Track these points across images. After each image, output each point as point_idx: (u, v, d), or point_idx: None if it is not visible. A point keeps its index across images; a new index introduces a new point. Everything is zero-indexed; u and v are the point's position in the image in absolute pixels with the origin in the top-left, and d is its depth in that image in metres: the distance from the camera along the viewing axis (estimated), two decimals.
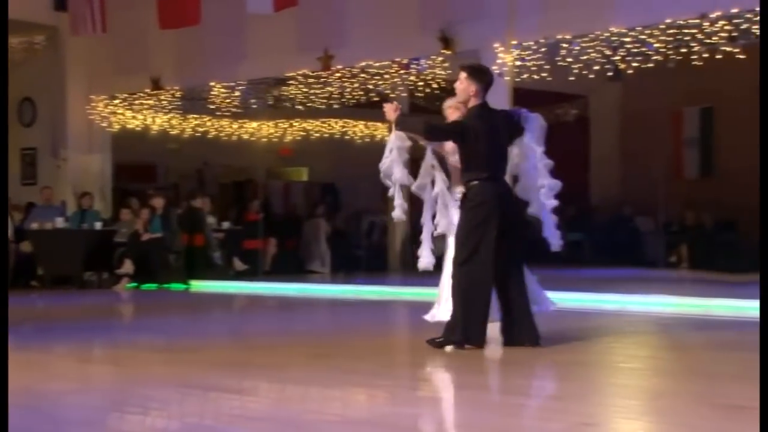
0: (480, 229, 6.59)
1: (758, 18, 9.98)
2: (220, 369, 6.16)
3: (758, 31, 10.07)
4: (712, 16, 10.23)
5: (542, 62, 11.44)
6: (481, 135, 6.67)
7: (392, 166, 6.90)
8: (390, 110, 6.83)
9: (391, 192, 6.97)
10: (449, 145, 7.01)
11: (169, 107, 15.74)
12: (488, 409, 4.99)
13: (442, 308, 7.11)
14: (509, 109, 7.32)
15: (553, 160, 6.96)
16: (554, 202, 6.97)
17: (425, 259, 7.23)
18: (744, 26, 10.11)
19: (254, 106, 15.45)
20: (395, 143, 6.91)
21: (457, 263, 6.66)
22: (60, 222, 14.46)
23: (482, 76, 6.84)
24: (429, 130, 6.84)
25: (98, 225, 14.55)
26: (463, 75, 6.86)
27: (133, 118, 16.07)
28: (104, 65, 15.56)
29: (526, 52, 11.49)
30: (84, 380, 6.02)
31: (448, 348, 6.59)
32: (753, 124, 18.48)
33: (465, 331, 6.58)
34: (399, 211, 7.00)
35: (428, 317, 7.28)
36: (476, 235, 6.59)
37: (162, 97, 15.30)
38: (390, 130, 6.97)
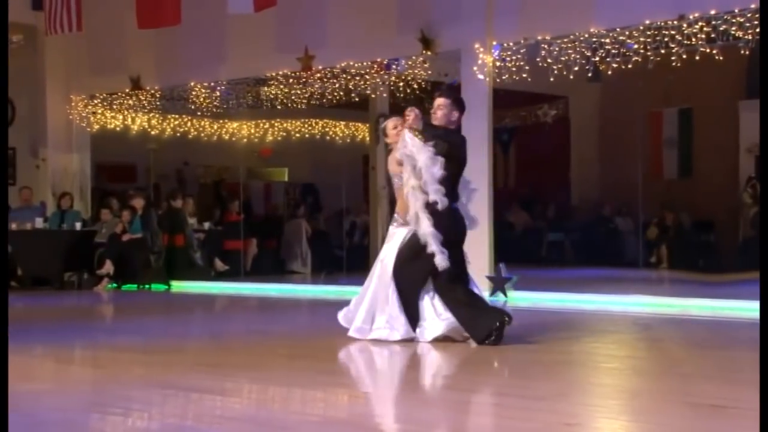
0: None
1: (735, 19, 10.07)
2: (202, 370, 6.15)
3: (736, 32, 10.16)
4: (690, 17, 10.31)
5: (522, 63, 11.48)
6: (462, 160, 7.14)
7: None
8: (414, 119, 7.01)
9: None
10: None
11: (149, 107, 15.69)
12: (469, 409, 5.02)
13: (359, 314, 7.25)
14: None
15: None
16: None
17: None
18: (722, 27, 10.18)
19: (234, 107, 15.41)
20: (415, 152, 7.04)
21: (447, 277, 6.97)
22: (39, 222, 14.39)
23: (463, 104, 7.29)
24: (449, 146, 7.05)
25: (78, 225, 14.48)
26: (445, 102, 7.20)
27: (113, 117, 15.99)
28: (83, 64, 15.48)
29: (506, 53, 11.53)
30: (64, 381, 6.00)
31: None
32: (730, 125, 18.62)
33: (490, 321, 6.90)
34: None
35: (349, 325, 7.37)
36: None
37: (142, 97, 15.25)
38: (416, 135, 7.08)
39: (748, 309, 9.43)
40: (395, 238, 7.29)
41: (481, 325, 6.89)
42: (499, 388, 5.72)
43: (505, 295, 11.10)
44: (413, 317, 7.10)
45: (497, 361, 6.53)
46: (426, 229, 6.94)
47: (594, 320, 9.34)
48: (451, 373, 6.29)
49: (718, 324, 8.87)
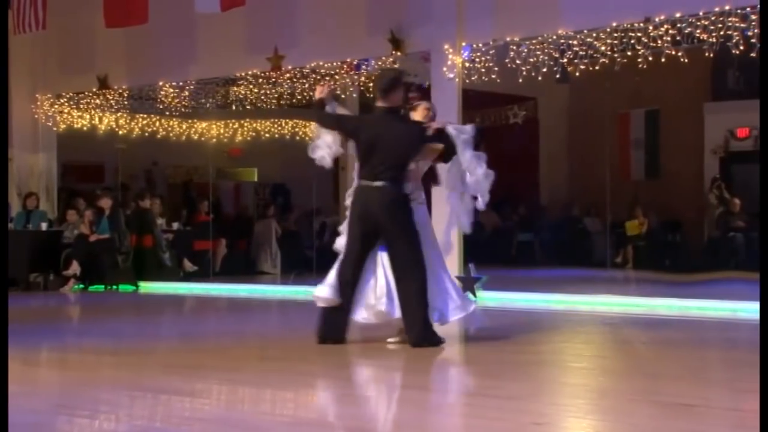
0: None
1: (700, 22, 10.18)
2: (171, 371, 6.12)
3: (701, 35, 10.27)
4: (656, 19, 10.41)
5: (491, 64, 11.54)
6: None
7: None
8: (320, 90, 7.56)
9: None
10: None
11: (117, 106, 15.57)
12: (438, 409, 5.04)
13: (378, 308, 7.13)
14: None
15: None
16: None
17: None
18: (687, 30, 10.29)
19: (204, 106, 15.34)
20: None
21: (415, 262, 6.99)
22: None
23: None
24: (320, 117, 7.66)
25: (44, 226, 14.35)
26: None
27: (80, 117, 15.86)
28: (49, 63, 15.34)
29: (476, 54, 11.58)
30: (31, 383, 5.94)
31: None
32: (696, 127, 18.81)
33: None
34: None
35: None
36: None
37: (109, 96, 15.13)
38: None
39: (715, 309, 9.55)
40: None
41: (421, 336, 6.80)
42: (469, 387, 5.74)
43: (475, 295, 11.14)
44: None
45: (465, 360, 6.55)
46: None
47: (563, 320, 9.40)
48: (422, 373, 6.30)
49: (686, 324, 8.97)
